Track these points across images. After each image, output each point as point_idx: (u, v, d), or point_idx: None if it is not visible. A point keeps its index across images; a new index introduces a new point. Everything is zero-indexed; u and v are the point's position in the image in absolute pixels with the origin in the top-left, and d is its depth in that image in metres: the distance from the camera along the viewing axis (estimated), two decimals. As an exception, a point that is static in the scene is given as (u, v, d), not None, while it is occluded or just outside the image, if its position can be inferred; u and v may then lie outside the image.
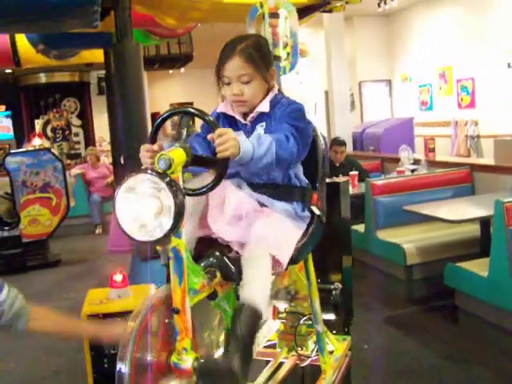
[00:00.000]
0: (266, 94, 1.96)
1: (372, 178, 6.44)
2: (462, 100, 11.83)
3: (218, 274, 1.72)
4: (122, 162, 5.08)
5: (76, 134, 14.29)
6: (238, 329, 1.65)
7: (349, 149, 8.36)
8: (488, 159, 7.93)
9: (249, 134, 1.91)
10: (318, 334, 2.24)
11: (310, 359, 2.33)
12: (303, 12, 4.75)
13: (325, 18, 10.08)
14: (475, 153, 11.33)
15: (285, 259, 1.83)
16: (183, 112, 1.68)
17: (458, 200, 5.61)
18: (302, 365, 2.32)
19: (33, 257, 7.35)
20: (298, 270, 2.28)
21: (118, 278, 3.29)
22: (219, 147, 1.57)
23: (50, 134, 13.36)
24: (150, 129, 5.53)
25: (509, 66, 10.45)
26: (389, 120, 11.37)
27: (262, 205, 1.88)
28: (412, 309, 5.04)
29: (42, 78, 13.46)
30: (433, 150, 7.34)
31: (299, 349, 2.36)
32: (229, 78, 1.90)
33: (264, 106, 1.94)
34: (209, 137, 1.62)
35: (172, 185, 1.43)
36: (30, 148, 8.03)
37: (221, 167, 1.60)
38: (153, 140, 1.65)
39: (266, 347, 2.48)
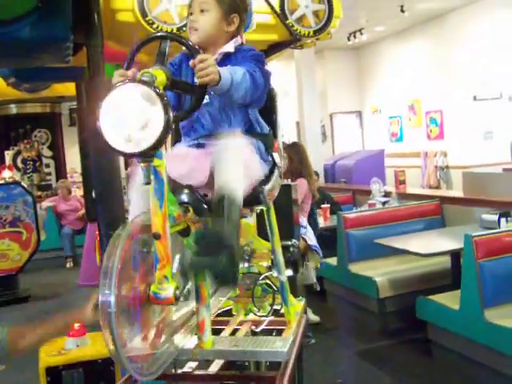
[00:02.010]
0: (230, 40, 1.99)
1: (344, 210, 6.50)
2: (430, 131, 12.04)
3: (191, 210, 1.70)
4: (94, 196, 5.04)
5: (47, 165, 14.12)
6: (222, 215, 1.61)
7: (320, 181, 8.41)
8: (457, 191, 8.05)
9: None
10: (281, 284, 2.16)
11: (265, 323, 2.24)
12: (274, 48, 4.81)
13: (296, 51, 10.21)
14: (445, 183, 11.50)
15: (257, 174, 1.84)
16: (163, 37, 1.66)
17: (429, 232, 5.67)
18: (257, 329, 2.23)
19: (2, 293, 7.19)
20: (253, 232, 2.27)
21: (76, 327, 3.18)
22: (200, 72, 1.57)
23: (20, 165, 13.17)
24: (121, 163, 5.50)
25: (475, 98, 10.69)
26: (360, 152, 11.50)
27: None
28: (385, 342, 5.04)
29: (13, 109, 13.32)
30: (403, 183, 7.44)
31: (256, 310, 2.29)
32: (192, 8, 1.93)
33: (229, 47, 1.96)
34: (190, 63, 1.61)
35: (163, 97, 1.38)
36: (0, 181, 7.92)
37: (199, 93, 1.59)
38: (128, 67, 1.63)
39: (219, 315, 2.37)
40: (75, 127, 10.69)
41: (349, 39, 12.20)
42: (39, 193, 11.71)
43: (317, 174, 6.88)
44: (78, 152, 8.13)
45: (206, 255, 1.52)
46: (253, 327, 2.24)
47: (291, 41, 4.67)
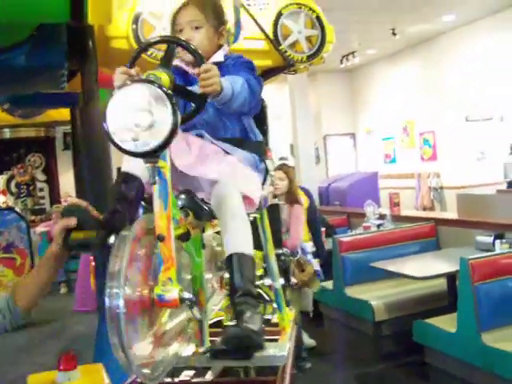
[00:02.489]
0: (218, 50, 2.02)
1: (339, 233, 6.50)
2: (424, 153, 12.11)
3: (191, 214, 1.69)
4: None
5: (41, 189, 14.06)
6: (239, 281, 1.64)
7: (315, 204, 8.40)
8: (451, 213, 8.07)
9: None
10: (276, 291, 2.14)
11: None
12: (268, 74, 4.84)
13: (289, 75, 10.27)
14: (439, 204, 11.53)
15: (256, 196, 1.85)
16: (170, 41, 1.67)
17: (424, 255, 5.67)
18: None
19: (-4, 319, 7.12)
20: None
21: (66, 359, 3.15)
22: (203, 82, 1.58)
23: (13, 189, 13.13)
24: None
25: (467, 119, 10.77)
26: (354, 174, 11.53)
27: (226, 152, 1.90)
28: (381, 366, 5.02)
29: (7, 134, 13.30)
30: (397, 205, 7.46)
31: None
32: (181, 25, 1.95)
33: (218, 57, 1.98)
34: (195, 71, 1.64)
35: (172, 98, 1.37)
36: (-6, 206, 7.89)
37: (200, 101, 1.60)
38: (131, 66, 1.63)
39: (210, 326, 2.35)
40: (69, 151, 10.68)
41: (341, 62, 12.32)
42: (33, 217, 11.64)
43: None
44: (71, 176, 8.12)
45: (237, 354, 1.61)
46: None
47: (285, 66, 4.69)
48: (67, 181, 11.91)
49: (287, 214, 4.57)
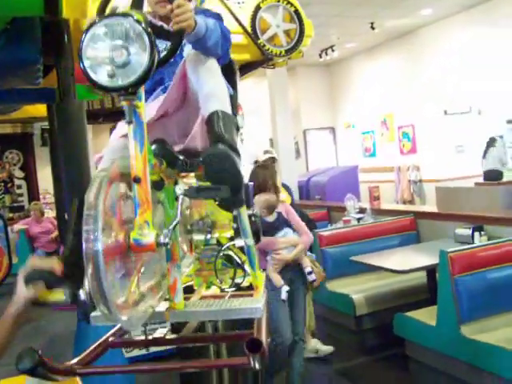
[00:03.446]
0: None
1: (319, 227, 6.49)
2: (403, 146, 12.17)
3: (164, 163, 1.65)
4: (67, 217, 4.98)
5: (19, 187, 13.94)
6: (223, 132, 1.62)
7: (295, 198, 8.39)
8: (431, 206, 8.11)
9: None
10: (248, 248, 2.11)
11: (228, 296, 2.17)
12: (246, 68, 4.82)
13: (268, 69, 10.25)
14: (418, 197, 11.60)
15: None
16: None
17: (404, 248, 5.69)
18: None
19: (-28, 318, 7.04)
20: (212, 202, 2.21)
21: None
22: (177, 18, 1.55)
23: (-10, 187, 13.02)
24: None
25: (445, 112, 10.84)
26: (334, 168, 11.55)
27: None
28: (363, 359, 5.03)
29: (-17, 131, 13.18)
30: (377, 198, 7.47)
31: (219, 282, 2.18)
32: None
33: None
34: (168, 7, 1.59)
35: (150, 34, 1.34)
36: (-29, 205, 7.79)
37: (176, 39, 1.57)
38: (101, 12, 1.55)
39: None
40: (47, 147, 10.55)
41: (320, 56, 12.32)
42: (11, 214, 11.54)
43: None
44: (50, 173, 8.02)
45: (215, 182, 1.55)
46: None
47: (263, 60, 4.68)
48: (46, 177, 11.78)
49: (285, 211, 4.21)
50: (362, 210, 6.95)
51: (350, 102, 13.84)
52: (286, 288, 3.91)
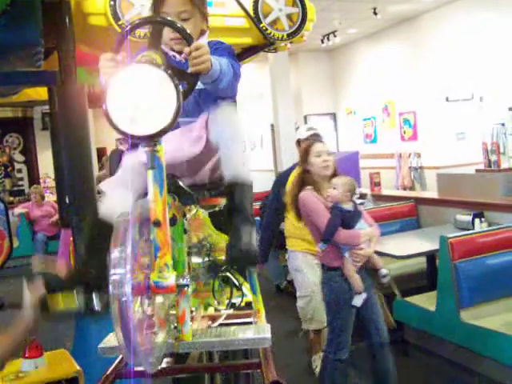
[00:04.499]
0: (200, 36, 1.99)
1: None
2: (404, 133, 12.14)
3: (177, 198, 1.70)
4: (67, 201, 4.98)
5: (19, 171, 13.95)
6: (238, 204, 1.74)
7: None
8: (431, 192, 8.11)
9: None
10: (249, 272, 2.16)
11: (223, 316, 2.20)
12: (248, 52, 4.79)
13: (270, 54, 10.20)
14: (419, 183, 11.59)
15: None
16: (158, 22, 1.66)
17: (404, 234, 5.70)
18: (214, 325, 2.20)
19: (-27, 301, 7.06)
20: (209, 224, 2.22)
21: (32, 346, 3.01)
22: (195, 60, 1.56)
23: (-9, 170, 13.03)
24: (95, 167, 5.42)
25: (447, 99, 10.80)
26: (335, 154, 11.50)
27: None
28: (362, 345, 5.04)
29: (-17, 114, 13.15)
30: (378, 184, 7.48)
31: (216, 303, 2.20)
32: (168, 15, 1.87)
33: (202, 42, 1.93)
34: (186, 50, 1.60)
35: (175, 80, 1.36)
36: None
37: (192, 80, 1.59)
38: (117, 52, 1.58)
39: None
40: (48, 131, 10.52)
41: (322, 41, 12.27)
42: (11, 198, 11.55)
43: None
44: (50, 157, 8.01)
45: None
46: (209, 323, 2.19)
47: (265, 44, 4.65)
48: (46, 162, 11.79)
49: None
50: (362, 196, 6.92)
51: (352, 88, 13.79)
52: (364, 297, 3.44)
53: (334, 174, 3.69)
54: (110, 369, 1.87)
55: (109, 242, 1.46)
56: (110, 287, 1.30)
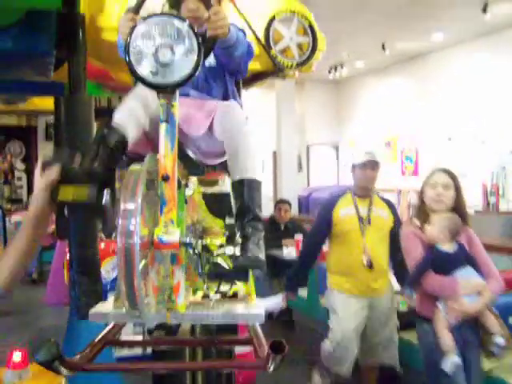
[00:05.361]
0: None
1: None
2: (405, 168, 12.18)
3: (181, 164, 1.69)
4: (66, 214, 4.98)
5: (19, 178, 13.97)
6: (249, 205, 1.71)
7: (295, 212, 8.41)
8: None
9: None
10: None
11: (213, 302, 2.16)
12: (257, 78, 4.83)
13: (277, 81, 10.30)
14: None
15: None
16: None
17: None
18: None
19: (-37, 307, 6.99)
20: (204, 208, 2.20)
21: (17, 356, 2.85)
22: (214, 24, 1.58)
23: (-10, 177, 13.04)
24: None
25: (449, 139, 10.86)
26: (335, 186, 11.56)
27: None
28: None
29: (-13, 120, 13.20)
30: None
31: (205, 288, 2.13)
32: None
33: None
34: (205, 14, 1.63)
35: (197, 35, 1.39)
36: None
37: (210, 44, 1.60)
38: (136, 12, 1.62)
39: None
40: (50, 141, 10.57)
41: (329, 72, 12.37)
42: (9, 206, 11.53)
43: (288, 202, 6.88)
44: (52, 167, 8.02)
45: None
46: None
47: (274, 71, 4.69)
48: (47, 171, 11.77)
49: (467, 240, 3.09)
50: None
51: (356, 120, 13.87)
52: (455, 361, 2.79)
53: (460, 214, 3.14)
54: (100, 336, 1.83)
55: (120, 148, 1.50)
56: (118, 237, 1.29)
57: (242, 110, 1.93)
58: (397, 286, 4.25)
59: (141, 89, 1.74)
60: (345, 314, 4.01)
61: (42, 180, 1.47)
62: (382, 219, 4.07)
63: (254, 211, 1.75)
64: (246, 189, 1.74)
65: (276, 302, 4.38)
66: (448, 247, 2.96)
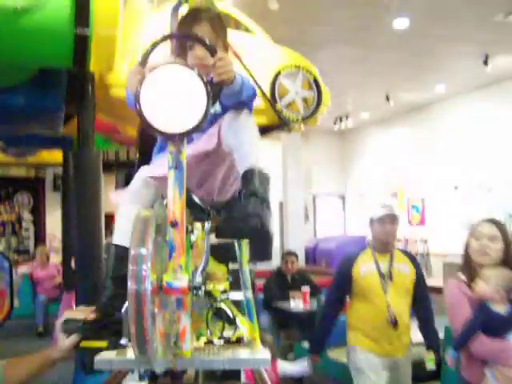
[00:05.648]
0: None
1: (324, 294, 6.43)
2: (412, 218, 12.17)
3: (187, 211, 1.66)
4: (73, 265, 4.98)
5: (26, 229, 14.00)
6: (254, 188, 1.64)
7: (302, 262, 8.37)
8: (437, 279, 8.05)
9: None
10: (247, 301, 2.09)
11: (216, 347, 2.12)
12: (263, 131, 4.90)
13: (282, 133, 10.40)
14: (425, 270, 11.51)
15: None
16: (184, 37, 1.74)
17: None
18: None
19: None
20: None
21: None
22: (219, 70, 1.59)
23: (-2, 227, 13.09)
24: (103, 233, 5.47)
25: (456, 188, 10.88)
26: (342, 237, 11.54)
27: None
28: None
29: (-3, 171, 13.32)
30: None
31: (209, 333, 2.17)
32: (190, 43, 1.90)
33: None
34: (210, 61, 1.63)
35: (206, 82, 1.41)
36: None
37: (216, 90, 1.61)
38: (143, 65, 1.59)
39: None
40: (58, 192, 10.65)
41: (335, 123, 12.50)
42: (16, 257, 11.54)
43: (295, 254, 6.84)
44: (59, 218, 8.09)
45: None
46: None
47: (279, 125, 4.76)
48: (54, 222, 11.83)
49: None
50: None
51: (362, 170, 13.94)
52: None
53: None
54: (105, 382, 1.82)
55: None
56: (129, 282, 1.30)
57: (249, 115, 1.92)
58: (419, 338, 4.05)
59: (125, 207, 1.78)
60: (371, 372, 3.78)
61: (65, 343, 1.61)
62: (403, 275, 3.89)
63: (262, 196, 1.69)
64: (255, 177, 1.71)
65: (302, 366, 4.25)
66: (500, 308, 2.70)
